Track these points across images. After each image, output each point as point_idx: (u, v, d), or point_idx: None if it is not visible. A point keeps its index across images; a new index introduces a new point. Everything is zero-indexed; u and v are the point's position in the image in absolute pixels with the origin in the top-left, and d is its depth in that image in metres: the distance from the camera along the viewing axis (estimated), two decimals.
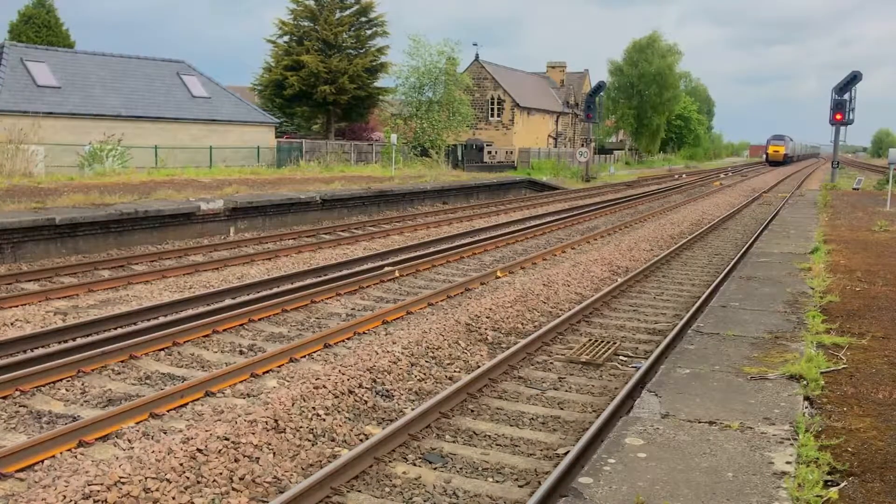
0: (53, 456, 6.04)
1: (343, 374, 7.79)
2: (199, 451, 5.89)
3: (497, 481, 6.04)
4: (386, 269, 14.23)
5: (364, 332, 9.99)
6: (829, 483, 5.18)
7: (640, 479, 5.08)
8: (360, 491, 5.80)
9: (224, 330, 9.94)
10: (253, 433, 6.31)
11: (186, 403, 7.27)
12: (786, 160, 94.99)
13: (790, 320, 9.60)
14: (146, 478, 5.43)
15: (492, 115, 65.81)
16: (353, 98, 46.49)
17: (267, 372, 8.29)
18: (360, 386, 7.67)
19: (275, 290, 12.17)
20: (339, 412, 7.10)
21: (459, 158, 48.31)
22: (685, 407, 6.49)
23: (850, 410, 6.66)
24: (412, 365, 8.52)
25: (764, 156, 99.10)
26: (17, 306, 10.78)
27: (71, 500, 5.09)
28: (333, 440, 6.61)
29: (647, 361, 8.64)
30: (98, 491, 5.19)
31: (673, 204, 31.83)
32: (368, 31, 48.54)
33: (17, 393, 7.45)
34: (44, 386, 7.69)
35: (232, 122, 38.78)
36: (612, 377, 8.68)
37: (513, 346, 9.35)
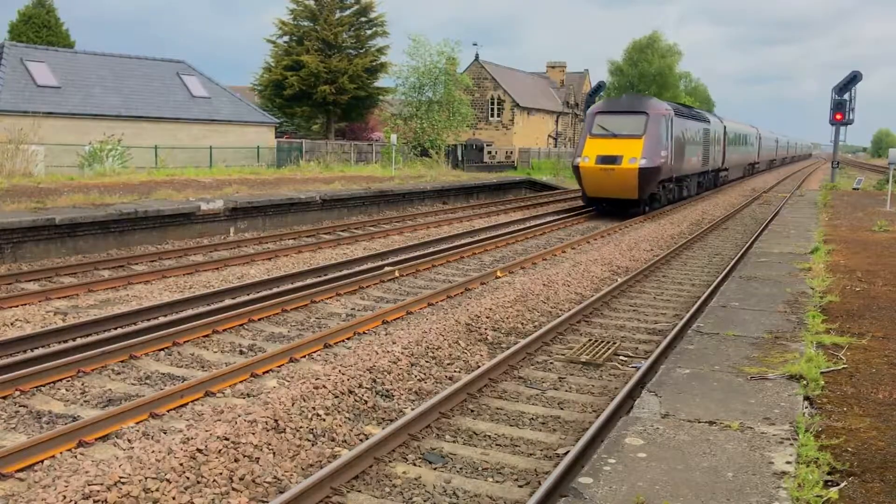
0: (53, 456, 6.04)
1: (343, 374, 7.79)
2: (199, 451, 5.89)
3: (497, 481, 6.04)
4: (386, 269, 14.23)
5: (364, 332, 9.99)
6: (829, 483, 5.18)
7: (640, 479, 5.08)
8: (360, 491, 5.80)
9: (224, 330, 9.93)
10: (253, 433, 6.31)
11: (186, 403, 7.27)
12: (649, 199, 25.52)
13: (790, 320, 9.60)
14: (146, 478, 5.43)
15: (492, 115, 65.80)
16: (352, 98, 46.49)
17: (267, 372, 8.29)
18: (360, 386, 7.67)
19: (275, 290, 12.17)
20: (339, 412, 7.09)
21: (459, 158, 48.31)
22: (685, 407, 6.49)
23: (850, 410, 6.66)
24: (412, 365, 8.52)
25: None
26: (17, 306, 10.78)
27: (71, 500, 5.09)
28: (333, 440, 6.61)
29: (647, 361, 8.64)
30: (98, 491, 5.19)
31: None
32: (368, 31, 48.56)
33: (17, 393, 7.45)
34: (44, 386, 7.69)
35: (232, 122, 38.78)
36: (612, 377, 8.68)
37: (513, 346, 9.35)
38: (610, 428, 6.39)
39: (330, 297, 12.03)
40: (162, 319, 10.08)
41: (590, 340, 10.05)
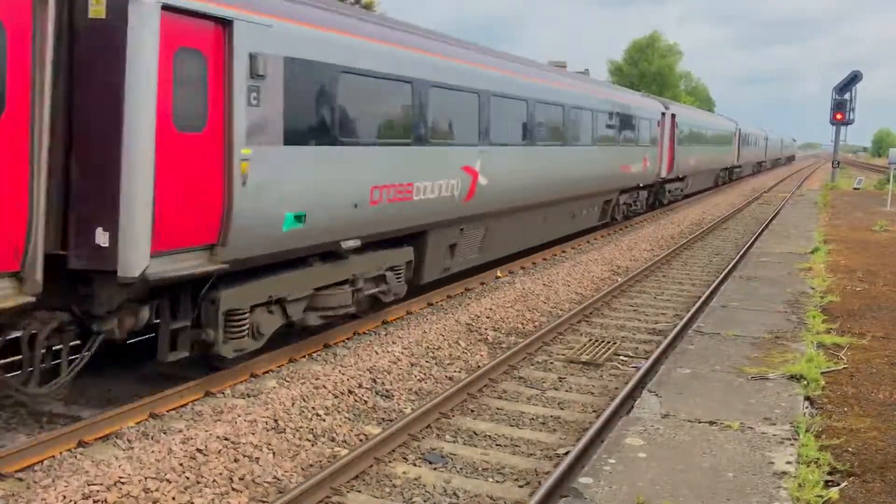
0: (53, 456, 6.03)
1: (343, 374, 7.79)
2: (199, 451, 5.89)
3: (497, 481, 6.03)
4: None
5: (364, 332, 9.98)
6: (830, 483, 5.19)
7: (640, 479, 5.08)
8: (359, 491, 5.80)
9: None
10: (253, 433, 6.30)
11: (186, 403, 7.27)
12: None
13: (790, 320, 9.60)
14: (146, 478, 5.42)
15: None
16: None
17: (267, 372, 8.28)
18: (360, 386, 7.66)
19: None
20: (339, 412, 7.09)
21: None
22: (685, 407, 6.49)
23: (851, 410, 6.67)
24: (412, 365, 8.52)
25: None
26: None
27: (71, 500, 5.08)
28: (333, 440, 6.60)
29: (648, 361, 8.64)
30: (98, 491, 5.19)
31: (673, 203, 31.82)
32: None
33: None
34: None
35: None
36: (612, 377, 8.68)
37: (513, 347, 9.34)
38: (610, 428, 6.39)
39: None
40: None
41: (590, 340, 10.05)
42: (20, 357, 6.36)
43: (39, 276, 5.74)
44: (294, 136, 7.78)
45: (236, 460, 5.91)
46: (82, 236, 6.21)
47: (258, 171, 7.23)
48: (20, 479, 5.65)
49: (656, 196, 26.27)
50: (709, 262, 16.86)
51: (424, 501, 5.67)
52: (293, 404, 6.94)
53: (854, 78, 41.17)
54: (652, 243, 19.14)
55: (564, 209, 16.71)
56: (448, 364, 8.86)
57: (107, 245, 6.17)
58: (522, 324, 10.86)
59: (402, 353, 8.69)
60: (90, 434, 6.38)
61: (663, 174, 25.13)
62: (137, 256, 6.18)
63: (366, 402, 7.44)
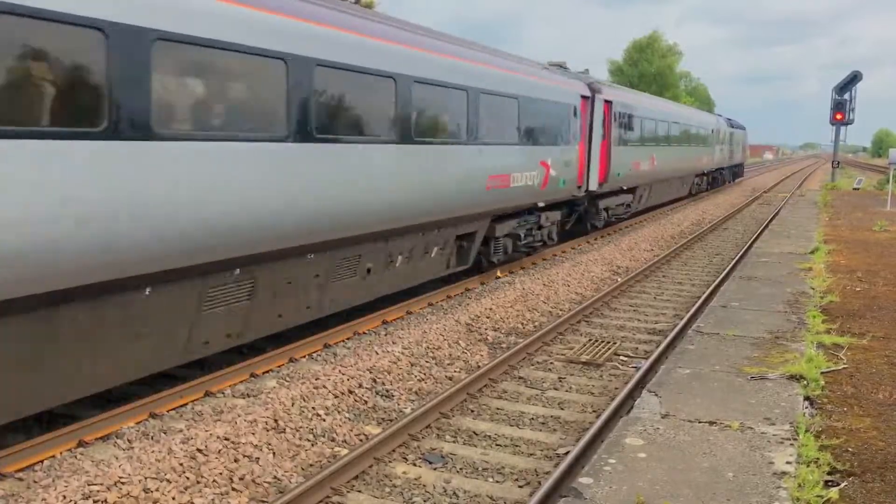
0: (53, 456, 6.04)
1: (343, 374, 7.79)
2: (199, 451, 5.89)
3: (497, 481, 6.03)
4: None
5: (364, 333, 9.98)
6: (830, 483, 5.19)
7: (640, 479, 5.08)
8: (360, 491, 5.80)
9: None
10: (253, 433, 6.31)
11: (186, 403, 7.27)
12: None
13: (790, 320, 9.60)
14: (146, 478, 5.42)
15: None
16: None
17: (267, 372, 8.29)
18: (360, 386, 7.66)
19: None
20: (339, 412, 7.09)
21: None
22: (685, 407, 6.50)
23: (851, 410, 6.67)
24: (412, 365, 8.52)
25: None
26: None
27: (71, 500, 5.09)
28: (333, 440, 6.60)
29: (648, 361, 8.64)
30: (98, 491, 5.19)
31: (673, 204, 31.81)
32: None
33: None
34: None
35: None
36: (612, 377, 8.68)
37: (513, 347, 9.34)
38: (610, 428, 6.39)
39: None
40: None
41: (590, 340, 10.05)
42: None
43: None
44: None
45: (236, 460, 5.91)
46: None
47: None
48: (20, 479, 5.65)
49: (582, 218, 18.90)
50: (709, 262, 16.86)
51: (424, 501, 5.67)
52: (293, 404, 6.94)
53: (854, 78, 41.15)
54: (652, 243, 19.14)
55: (342, 261, 9.20)
56: (448, 364, 8.86)
57: None
58: (522, 324, 10.86)
59: (402, 353, 8.69)
60: (90, 434, 6.38)
61: (592, 186, 17.93)
62: None
63: (366, 402, 7.44)
